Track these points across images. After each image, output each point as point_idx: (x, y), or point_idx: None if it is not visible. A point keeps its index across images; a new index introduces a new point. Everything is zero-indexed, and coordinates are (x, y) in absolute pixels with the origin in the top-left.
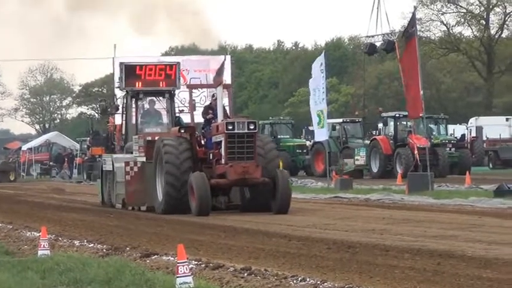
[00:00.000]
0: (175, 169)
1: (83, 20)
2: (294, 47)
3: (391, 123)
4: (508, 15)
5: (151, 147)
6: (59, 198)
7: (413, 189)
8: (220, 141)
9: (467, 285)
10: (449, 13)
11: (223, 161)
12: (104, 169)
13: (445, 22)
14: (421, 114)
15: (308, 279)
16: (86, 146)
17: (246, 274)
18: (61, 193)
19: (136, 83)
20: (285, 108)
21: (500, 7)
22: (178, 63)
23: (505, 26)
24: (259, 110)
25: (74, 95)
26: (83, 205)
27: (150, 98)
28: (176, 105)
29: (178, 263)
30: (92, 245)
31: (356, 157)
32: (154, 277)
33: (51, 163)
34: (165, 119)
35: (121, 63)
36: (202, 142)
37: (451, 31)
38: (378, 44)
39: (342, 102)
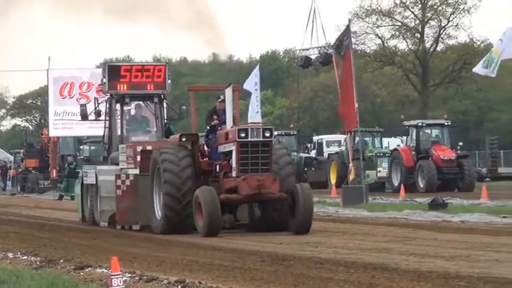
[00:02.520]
0: (176, 187)
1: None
2: (229, 60)
3: (413, 133)
4: (443, 29)
5: (146, 157)
6: None
7: (348, 202)
8: (230, 150)
9: None
10: (384, 26)
11: (233, 173)
12: (84, 182)
13: (380, 35)
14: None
15: None
16: (19, 158)
17: (180, 287)
18: None
19: (121, 86)
20: None
21: (435, 20)
22: (167, 63)
23: (440, 39)
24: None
25: (8, 106)
26: (16, 217)
27: (137, 102)
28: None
29: (112, 275)
30: (26, 257)
31: (378, 169)
32: None
33: None
34: (153, 126)
35: (104, 64)
36: (206, 152)
37: (386, 44)
38: (313, 56)
39: (276, 115)
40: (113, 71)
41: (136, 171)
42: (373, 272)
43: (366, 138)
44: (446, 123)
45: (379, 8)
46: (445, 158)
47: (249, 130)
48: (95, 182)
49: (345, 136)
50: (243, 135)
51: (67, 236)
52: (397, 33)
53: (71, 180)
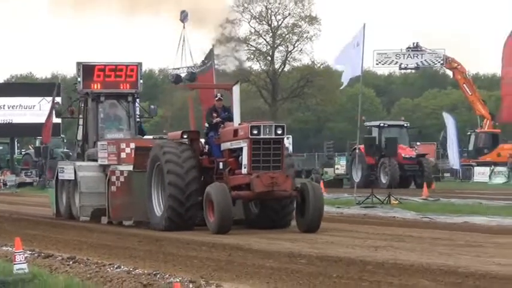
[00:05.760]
0: (179, 180)
1: None
2: None
3: (376, 133)
4: (290, 53)
5: (142, 154)
6: None
7: None
8: (239, 148)
9: (254, 273)
10: (242, 50)
11: (244, 170)
12: (60, 178)
13: (237, 58)
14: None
15: (122, 267)
16: None
17: (71, 262)
18: None
19: (95, 85)
20: None
21: (283, 46)
22: (140, 63)
23: (287, 61)
24: None
25: None
26: None
27: (111, 101)
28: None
29: (15, 252)
30: None
31: (336, 166)
32: None
33: None
34: (125, 124)
35: (78, 63)
36: (204, 149)
37: (242, 65)
38: (183, 75)
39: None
40: (88, 70)
41: (123, 167)
42: (230, 251)
43: None
44: (405, 125)
45: (237, 36)
46: (407, 156)
47: (262, 127)
48: (73, 178)
49: None
50: (255, 132)
51: None
52: (252, 56)
53: None
